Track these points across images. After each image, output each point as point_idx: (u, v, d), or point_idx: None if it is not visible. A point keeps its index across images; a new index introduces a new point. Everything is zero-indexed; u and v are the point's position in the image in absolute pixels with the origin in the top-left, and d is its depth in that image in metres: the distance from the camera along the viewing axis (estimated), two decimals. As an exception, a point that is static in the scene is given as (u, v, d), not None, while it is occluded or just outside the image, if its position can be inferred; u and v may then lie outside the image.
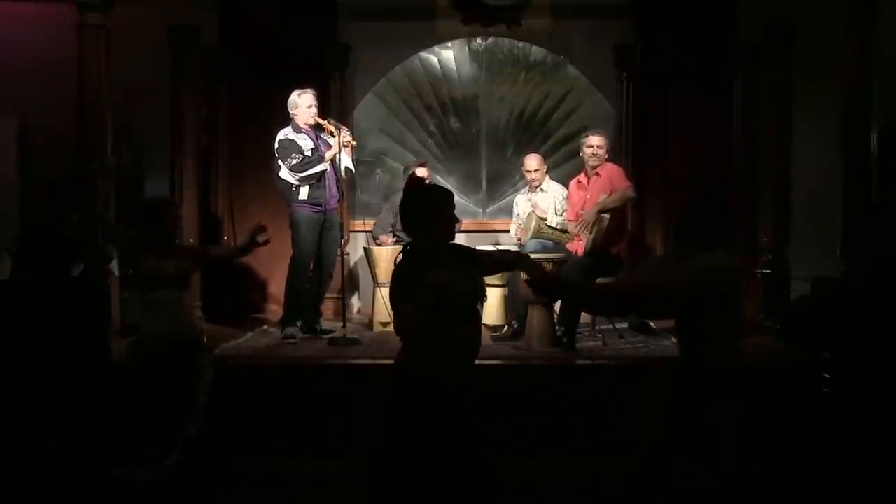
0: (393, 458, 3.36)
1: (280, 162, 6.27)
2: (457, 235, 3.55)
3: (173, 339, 4.47)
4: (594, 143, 6.30)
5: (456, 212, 3.53)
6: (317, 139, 6.35)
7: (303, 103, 6.31)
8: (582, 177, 6.44)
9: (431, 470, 3.30)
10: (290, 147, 6.23)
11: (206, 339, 4.73)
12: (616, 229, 6.18)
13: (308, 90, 6.36)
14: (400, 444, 3.35)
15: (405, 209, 3.54)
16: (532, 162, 6.80)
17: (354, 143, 6.47)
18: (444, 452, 3.31)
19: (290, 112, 6.34)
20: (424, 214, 3.46)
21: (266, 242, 4.88)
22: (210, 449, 4.75)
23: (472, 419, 3.39)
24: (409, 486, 3.32)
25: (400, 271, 3.40)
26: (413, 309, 3.29)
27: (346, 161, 6.36)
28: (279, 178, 6.32)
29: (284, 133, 6.30)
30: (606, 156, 6.36)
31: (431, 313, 3.28)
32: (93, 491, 4.12)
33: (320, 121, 6.32)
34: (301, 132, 6.31)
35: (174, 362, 4.43)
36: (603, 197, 6.13)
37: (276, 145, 6.28)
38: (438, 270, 3.34)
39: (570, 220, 6.39)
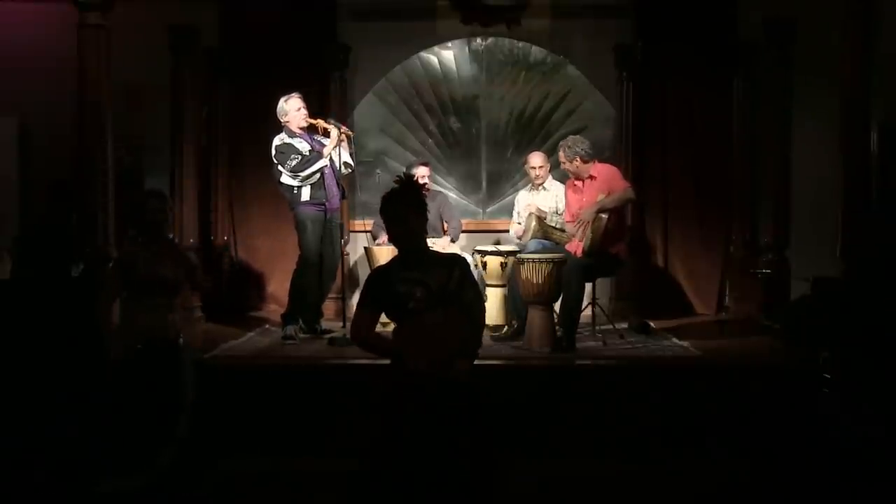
0: (381, 458, 3.36)
1: (280, 167, 6.26)
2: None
3: (149, 340, 4.46)
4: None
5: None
6: (311, 141, 6.36)
7: (291, 108, 6.31)
8: (576, 179, 6.44)
9: (417, 470, 3.30)
10: (288, 150, 6.23)
11: (183, 339, 4.69)
12: (615, 230, 6.16)
13: (293, 95, 6.36)
14: (387, 443, 3.35)
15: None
16: (536, 159, 6.82)
17: (351, 133, 6.47)
18: (427, 452, 3.30)
19: (281, 120, 6.34)
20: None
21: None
22: (208, 449, 4.75)
23: (460, 419, 3.37)
24: (397, 486, 3.31)
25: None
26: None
27: (345, 156, 6.36)
28: (280, 183, 6.32)
29: (280, 139, 6.30)
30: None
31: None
32: (91, 492, 4.12)
33: (312, 121, 6.32)
34: (295, 136, 6.31)
35: (152, 363, 4.42)
36: (601, 197, 6.12)
37: (274, 151, 6.27)
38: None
39: (567, 223, 6.40)
